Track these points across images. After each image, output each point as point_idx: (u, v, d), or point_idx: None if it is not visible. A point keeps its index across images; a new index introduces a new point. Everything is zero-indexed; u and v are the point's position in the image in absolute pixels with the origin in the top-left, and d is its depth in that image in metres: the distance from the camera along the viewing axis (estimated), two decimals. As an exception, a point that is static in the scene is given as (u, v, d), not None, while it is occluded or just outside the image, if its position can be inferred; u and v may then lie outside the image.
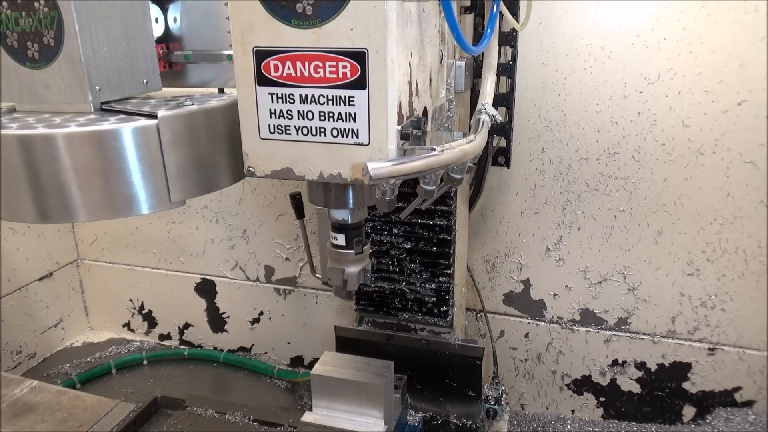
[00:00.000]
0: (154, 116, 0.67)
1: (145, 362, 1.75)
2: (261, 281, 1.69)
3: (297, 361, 1.74)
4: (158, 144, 0.67)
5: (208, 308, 1.78)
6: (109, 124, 0.65)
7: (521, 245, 1.43)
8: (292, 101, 0.66)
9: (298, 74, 0.64)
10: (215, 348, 1.81)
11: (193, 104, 0.72)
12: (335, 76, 0.63)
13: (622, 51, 1.21)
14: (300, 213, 1.12)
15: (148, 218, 1.73)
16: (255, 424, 1.29)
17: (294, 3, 0.62)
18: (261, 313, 1.73)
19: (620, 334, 1.42)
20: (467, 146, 0.70)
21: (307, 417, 1.08)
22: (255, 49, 0.65)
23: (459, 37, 0.73)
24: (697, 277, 1.33)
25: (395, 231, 1.12)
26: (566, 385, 1.52)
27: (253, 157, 0.70)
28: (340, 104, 0.64)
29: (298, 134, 0.67)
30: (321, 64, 0.63)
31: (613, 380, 1.47)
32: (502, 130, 1.25)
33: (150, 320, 1.87)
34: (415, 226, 1.11)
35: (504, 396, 1.29)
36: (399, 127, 0.65)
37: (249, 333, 1.76)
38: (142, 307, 1.86)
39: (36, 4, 0.67)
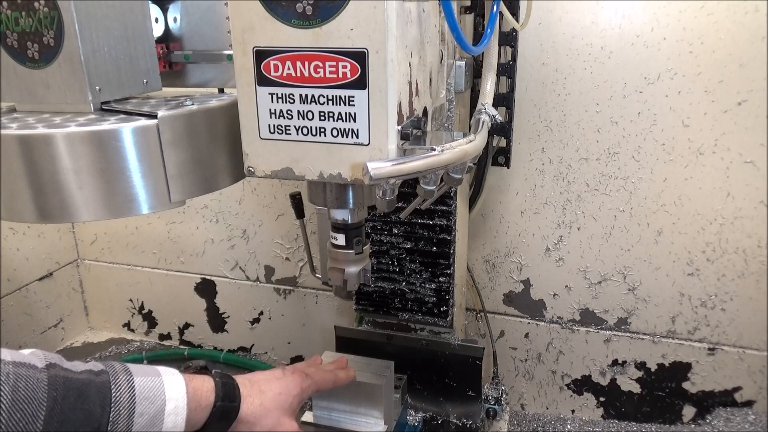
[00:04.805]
0: (154, 116, 0.67)
1: (145, 362, 1.75)
2: (261, 281, 1.69)
3: (297, 361, 1.74)
4: (158, 144, 0.67)
5: (208, 308, 1.78)
6: (109, 124, 0.65)
7: (521, 245, 1.43)
8: (292, 101, 0.66)
9: (298, 74, 0.64)
10: (215, 348, 1.81)
11: (193, 104, 0.72)
12: (335, 76, 0.63)
13: (622, 51, 1.21)
14: (300, 213, 1.12)
15: (148, 218, 1.73)
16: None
17: (294, 3, 0.62)
18: (261, 313, 1.73)
19: (620, 334, 1.42)
20: (467, 146, 0.70)
21: (307, 417, 1.08)
22: (255, 49, 0.65)
23: (459, 37, 0.73)
24: (697, 277, 1.33)
25: (395, 231, 1.12)
26: (566, 385, 1.52)
27: (253, 157, 0.70)
28: (340, 104, 0.64)
29: (298, 134, 0.67)
30: (321, 64, 0.63)
31: (613, 380, 1.47)
32: (502, 130, 1.25)
33: (150, 320, 1.87)
34: (415, 226, 1.11)
35: (504, 396, 1.29)
36: (399, 127, 0.65)
37: (249, 333, 1.76)
38: (142, 307, 1.86)
39: (36, 4, 0.67)
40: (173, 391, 0.63)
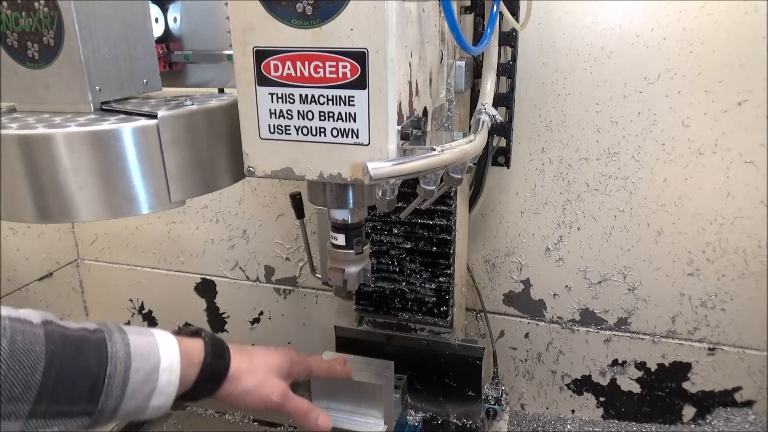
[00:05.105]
0: (154, 116, 0.67)
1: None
2: (261, 281, 1.69)
3: (297, 361, 1.74)
4: (158, 144, 0.67)
5: (208, 308, 1.78)
6: (109, 124, 0.65)
7: (521, 245, 1.43)
8: (292, 101, 0.66)
9: (298, 74, 0.64)
10: (215, 348, 1.81)
11: (193, 104, 0.72)
12: (335, 76, 0.63)
13: (622, 51, 1.21)
14: (300, 213, 1.12)
15: (148, 218, 1.73)
16: (255, 424, 1.30)
17: (294, 3, 0.62)
18: (261, 313, 1.73)
19: (620, 334, 1.42)
20: (467, 146, 0.70)
21: (307, 417, 1.08)
22: (255, 49, 0.65)
23: (459, 37, 0.73)
24: (697, 277, 1.33)
25: (395, 231, 1.12)
26: (566, 385, 1.52)
27: (253, 157, 0.70)
28: (340, 104, 0.64)
29: (298, 134, 0.67)
30: (321, 64, 0.63)
31: (613, 380, 1.47)
32: (502, 130, 1.25)
33: (150, 320, 1.87)
34: (415, 226, 1.11)
35: (504, 396, 1.29)
36: (399, 127, 0.65)
37: (249, 333, 1.76)
38: (142, 307, 1.86)
39: (36, 4, 0.67)
40: (167, 349, 0.64)
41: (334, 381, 1.05)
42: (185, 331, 0.73)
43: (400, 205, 1.03)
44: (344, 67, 0.63)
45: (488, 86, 1.03)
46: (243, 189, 1.60)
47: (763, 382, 1.35)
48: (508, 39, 1.18)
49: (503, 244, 1.44)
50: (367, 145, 0.65)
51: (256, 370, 0.74)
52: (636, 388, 1.46)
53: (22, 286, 1.70)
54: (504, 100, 1.22)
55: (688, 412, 1.43)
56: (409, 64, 0.68)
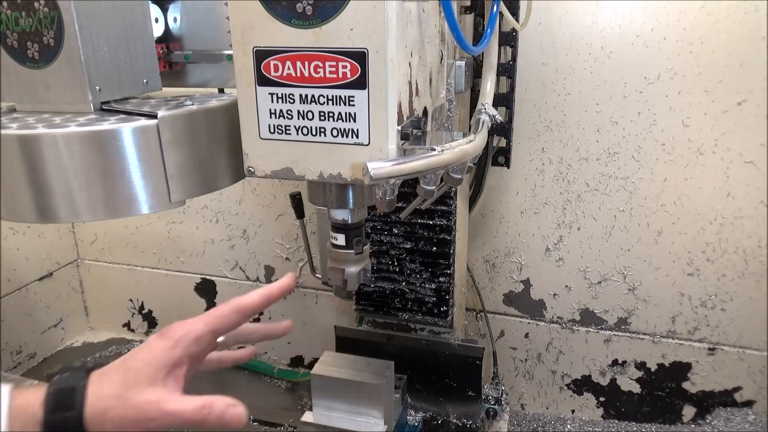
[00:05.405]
0: (154, 116, 0.67)
1: (145, 362, 1.74)
2: (261, 281, 1.69)
3: (297, 361, 1.74)
4: (158, 144, 0.67)
5: (208, 308, 1.77)
6: (109, 124, 0.65)
7: (521, 245, 1.43)
8: (292, 101, 0.66)
9: (298, 74, 0.64)
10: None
11: (193, 104, 0.72)
12: (335, 76, 0.63)
13: (622, 51, 1.21)
14: (300, 213, 1.12)
15: (148, 218, 1.73)
16: (255, 424, 1.30)
17: (294, 3, 0.62)
18: (261, 313, 1.73)
19: (620, 334, 1.42)
20: (467, 146, 0.70)
21: (307, 417, 1.09)
22: (255, 49, 0.65)
23: (459, 37, 0.73)
24: (697, 277, 1.33)
25: (395, 231, 1.12)
26: (566, 385, 1.52)
27: (253, 157, 0.70)
28: (340, 104, 0.64)
29: (298, 134, 0.67)
30: (321, 64, 0.63)
31: (613, 380, 1.47)
32: (502, 130, 1.25)
33: (150, 320, 1.87)
34: (415, 226, 1.11)
35: (504, 396, 1.29)
36: (399, 127, 0.65)
37: (249, 333, 1.76)
38: (142, 307, 1.86)
39: (36, 4, 0.67)
40: None
41: (334, 381, 1.06)
42: (62, 370, 0.57)
43: (400, 205, 1.03)
44: (344, 67, 0.63)
45: (488, 86, 1.03)
46: (243, 189, 1.60)
47: (763, 382, 1.35)
48: (508, 39, 1.18)
49: (503, 244, 1.44)
50: (367, 145, 0.65)
51: (114, 403, 0.55)
52: (636, 388, 1.46)
53: (22, 286, 1.70)
54: (504, 100, 1.22)
55: (688, 412, 1.43)
56: (409, 64, 0.68)
